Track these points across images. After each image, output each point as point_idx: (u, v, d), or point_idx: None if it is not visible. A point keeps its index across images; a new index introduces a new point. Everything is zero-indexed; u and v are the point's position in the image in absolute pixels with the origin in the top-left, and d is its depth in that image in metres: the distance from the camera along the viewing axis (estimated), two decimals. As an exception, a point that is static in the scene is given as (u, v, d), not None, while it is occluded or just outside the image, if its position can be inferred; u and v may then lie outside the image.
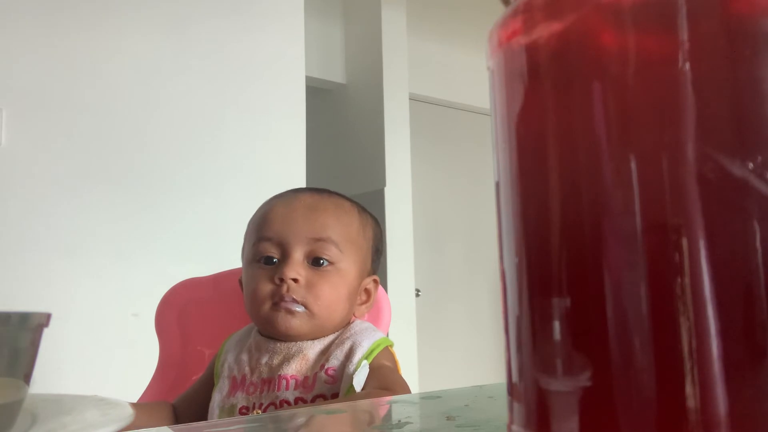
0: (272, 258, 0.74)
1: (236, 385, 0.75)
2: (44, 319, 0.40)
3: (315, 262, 0.73)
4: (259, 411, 0.71)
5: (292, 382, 0.71)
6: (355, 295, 0.77)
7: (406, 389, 0.67)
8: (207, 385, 0.79)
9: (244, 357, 0.76)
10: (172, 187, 1.99)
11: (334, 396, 0.69)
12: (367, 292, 0.79)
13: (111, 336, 1.80)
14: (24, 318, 0.37)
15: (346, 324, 0.77)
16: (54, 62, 1.88)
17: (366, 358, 0.70)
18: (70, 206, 1.82)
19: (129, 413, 0.41)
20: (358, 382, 0.67)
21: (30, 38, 1.85)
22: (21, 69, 1.83)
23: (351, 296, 0.76)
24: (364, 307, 0.79)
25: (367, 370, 0.69)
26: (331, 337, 0.74)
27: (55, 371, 1.66)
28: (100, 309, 1.81)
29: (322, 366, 0.71)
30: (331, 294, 0.73)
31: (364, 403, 0.52)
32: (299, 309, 0.72)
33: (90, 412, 0.42)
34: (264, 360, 0.74)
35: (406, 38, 3.26)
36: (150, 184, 1.96)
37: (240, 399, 0.73)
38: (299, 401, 0.70)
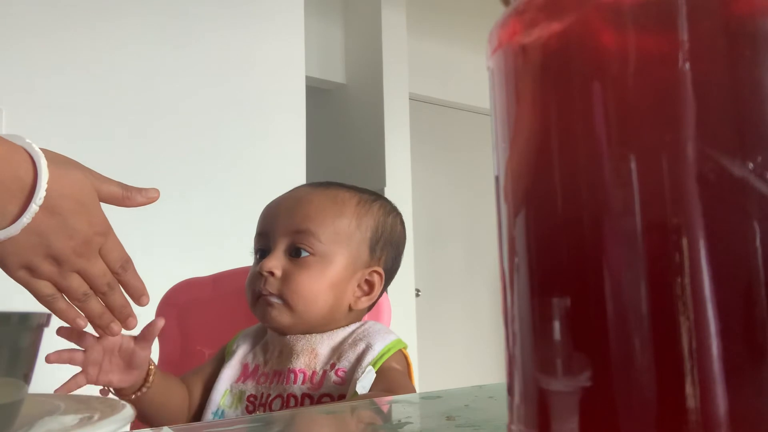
0: (265, 252, 0.75)
1: (247, 373, 0.75)
2: (44, 319, 0.40)
3: (296, 253, 0.73)
4: (267, 409, 0.71)
5: (300, 377, 0.71)
6: (345, 286, 0.74)
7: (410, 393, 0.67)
8: (217, 368, 0.79)
9: (259, 349, 0.77)
10: (172, 187, 1.99)
11: (341, 397, 0.69)
12: (369, 283, 0.77)
13: (111, 336, 1.80)
14: (24, 318, 0.37)
15: (359, 323, 0.76)
16: (54, 62, 1.88)
17: (376, 362, 0.69)
18: (70, 206, 1.82)
19: (129, 413, 0.41)
20: (362, 386, 0.67)
21: (30, 38, 1.85)
22: (21, 69, 1.83)
23: (337, 287, 0.74)
24: (365, 299, 0.76)
25: (373, 376, 0.69)
26: (342, 334, 0.74)
27: (55, 371, 1.66)
28: (100, 309, 1.80)
29: (333, 365, 0.71)
30: (309, 285, 0.72)
31: (364, 404, 0.52)
32: (276, 301, 0.72)
33: (90, 412, 0.42)
34: (276, 353, 0.75)
35: (406, 38, 3.26)
36: (150, 184, 1.96)
37: (250, 387, 0.74)
38: (306, 398, 0.70)
